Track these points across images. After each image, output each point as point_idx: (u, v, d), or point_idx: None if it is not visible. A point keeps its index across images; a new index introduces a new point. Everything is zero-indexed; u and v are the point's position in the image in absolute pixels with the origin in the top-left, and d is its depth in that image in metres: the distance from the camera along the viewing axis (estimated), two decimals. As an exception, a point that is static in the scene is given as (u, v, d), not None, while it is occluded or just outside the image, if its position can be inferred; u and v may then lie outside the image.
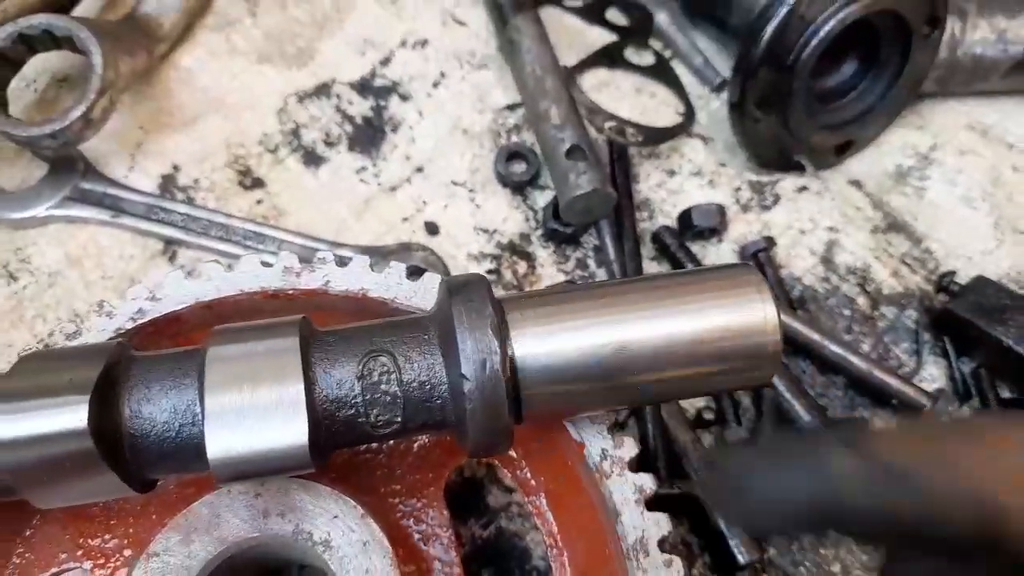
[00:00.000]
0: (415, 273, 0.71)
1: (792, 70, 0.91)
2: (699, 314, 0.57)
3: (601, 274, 0.95)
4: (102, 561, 0.66)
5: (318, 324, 0.59)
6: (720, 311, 0.57)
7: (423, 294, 0.69)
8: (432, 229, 0.98)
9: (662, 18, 1.10)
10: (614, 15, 1.11)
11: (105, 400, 0.52)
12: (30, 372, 0.54)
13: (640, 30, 1.08)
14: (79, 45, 0.95)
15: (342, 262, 0.71)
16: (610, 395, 0.59)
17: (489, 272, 0.95)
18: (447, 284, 0.58)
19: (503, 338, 0.55)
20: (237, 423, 0.52)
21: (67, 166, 0.98)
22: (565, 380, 0.57)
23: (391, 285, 0.70)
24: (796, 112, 0.95)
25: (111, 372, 0.53)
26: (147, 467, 0.55)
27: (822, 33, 0.89)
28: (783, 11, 0.88)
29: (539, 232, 0.98)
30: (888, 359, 0.91)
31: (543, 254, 0.97)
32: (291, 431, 0.52)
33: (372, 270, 0.70)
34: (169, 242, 0.96)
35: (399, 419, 0.56)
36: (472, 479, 0.83)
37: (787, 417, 0.84)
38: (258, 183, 1.00)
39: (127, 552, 0.66)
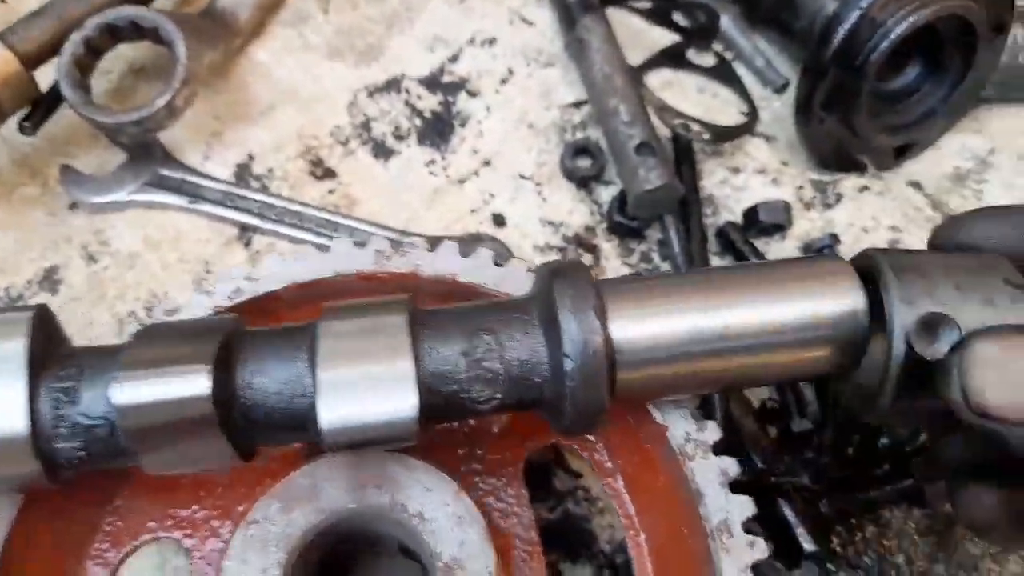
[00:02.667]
0: (502, 259, 0.73)
1: (860, 72, 0.92)
2: (796, 299, 0.59)
3: (665, 267, 0.97)
4: (191, 531, 0.68)
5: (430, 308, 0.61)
6: (816, 297, 0.59)
7: (512, 280, 0.72)
8: (499, 221, 1.00)
9: (724, 20, 1.12)
10: (679, 17, 1.12)
11: (223, 370, 0.55)
12: (153, 342, 0.56)
13: (705, 31, 1.09)
14: (163, 36, 0.98)
15: (431, 247, 0.73)
16: (702, 380, 0.61)
17: (555, 264, 0.97)
18: (549, 267, 0.61)
19: (604, 320, 0.57)
20: (348, 394, 0.54)
21: (146, 153, 1.01)
22: (660, 363, 0.59)
23: (479, 270, 0.72)
24: (861, 113, 0.96)
25: (227, 344, 0.56)
26: (256, 435, 0.58)
27: (892, 36, 0.90)
28: (855, 14, 0.89)
29: (604, 225, 1.00)
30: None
31: (607, 247, 0.99)
32: (400, 404, 0.55)
33: (461, 256, 0.73)
34: (244, 228, 0.98)
35: (499, 396, 0.58)
36: (540, 463, 0.85)
37: (852, 411, 0.85)
38: (330, 173, 1.03)
39: (215, 523, 0.68)
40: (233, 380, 0.55)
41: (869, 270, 0.59)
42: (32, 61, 0.96)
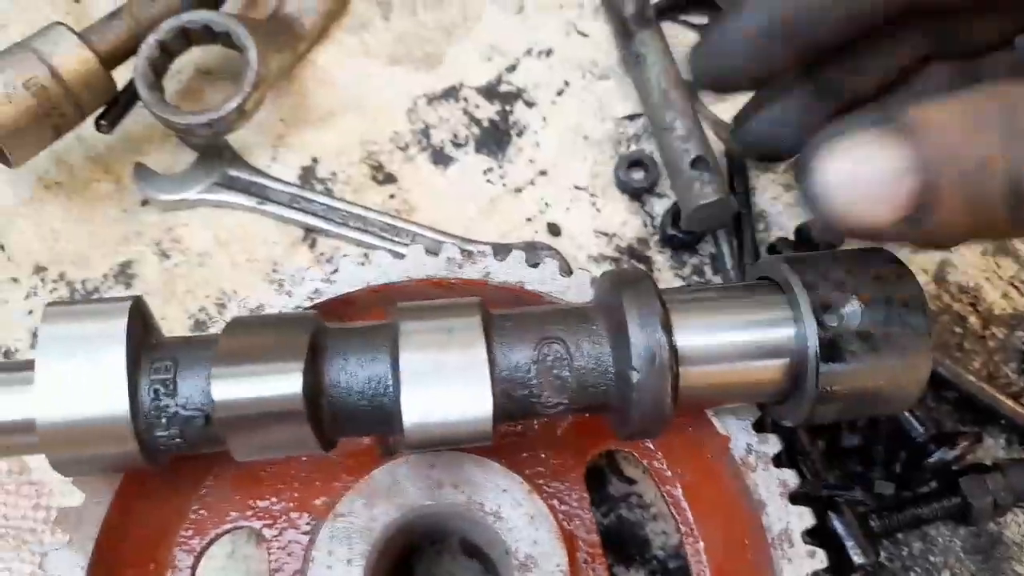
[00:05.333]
0: (566, 271, 0.76)
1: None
2: None
3: (717, 281, 0.99)
4: (270, 522, 0.71)
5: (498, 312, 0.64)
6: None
7: (575, 289, 0.74)
8: (554, 230, 1.03)
9: (779, 38, 1.14)
10: (733, 33, 1.14)
11: (312, 368, 0.57)
12: (244, 337, 0.59)
13: (760, 49, 1.12)
14: (235, 41, 1.01)
15: (501, 256, 0.76)
16: (756, 388, 0.64)
17: (609, 274, 1.00)
18: (614, 277, 0.63)
19: (670, 332, 0.60)
20: (428, 394, 0.57)
21: (215, 154, 1.05)
22: (719, 372, 0.62)
23: (546, 280, 0.75)
24: (915, 135, 0.98)
25: (314, 342, 0.59)
26: (340, 430, 0.61)
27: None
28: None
29: (656, 238, 1.02)
30: (998, 377, 0.93)
31: (660, 259, 1.01)
32: (477, 406, 0.57)
33: (528, 265, 0.75)
34: (309, 230, 1.01)
35: (566, 401, 0.61)
36: (594, 468, 0.87)
37: (900, 428, 0.87)
38: (390, 178, 1.06)
39: (294, 515, 0.71)
40: (321, 378, 0.58)
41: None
42: (110, 61, 0.99)
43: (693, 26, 1.14)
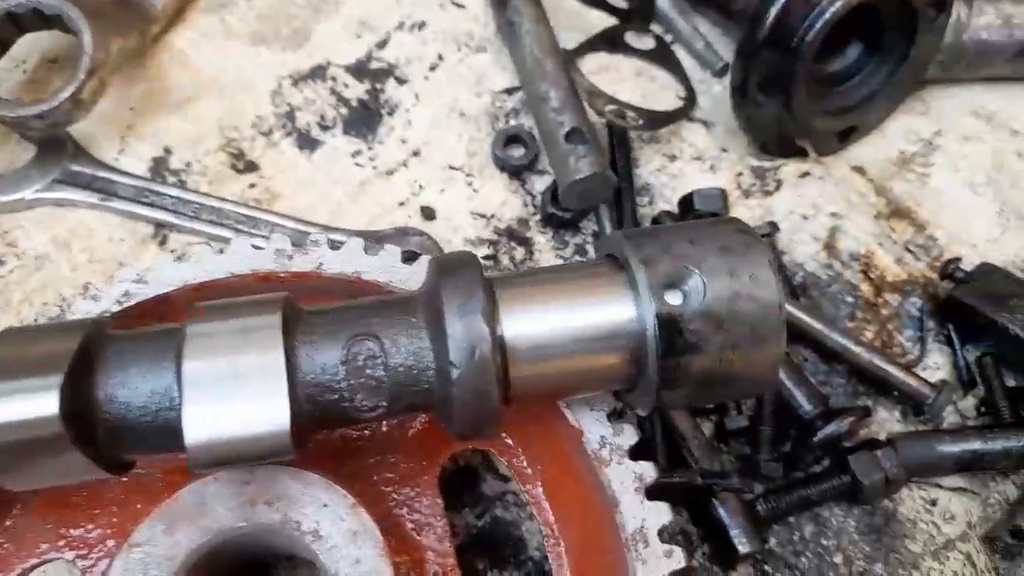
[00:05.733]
0: (410, 257, 0.69)
1: (795, 53, 0.89)
2: None
3: (600, 260, 0.94)
4: (85, 551, 0.64)
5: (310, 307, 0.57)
6: None
7: (419, 278, 0.68)
8: (428, 214, 0.96)
9: (663, 2, 1.08)
10: (615, -2, 1.09)
11: (79, 383, 0.50)
12: (3, 352, 0.52)
13: (641, 13, 1.06)
14: (69, 25, 0.93)
15: (335, 245, 0.69)
16: (600, 376, 0.58)
17: (486, 258, 0.93)
18: (436, 263, 0.57)
19: (493, 322, 0.53)
20: (215, 408, 0.50)
21: (56, 148, 0.96)
22: (557, 360, 0.55)
23: (386, 268, 0.68)
24: (799, 96, 0.93)
25: (86, 353, 0.51)
26: (123, 450, 0.54)
27: (827, 15, 0.87)
28: (787, -8, 0.86)
29: (537, 217, 0.96)
30: (891, 347, 0.89)
31: (541, 240, 0.95)
32: (272, 417, 0.51)
33: (366, 253, 0.69)
34: (160, 226, 0.94)
35: (384, 403, 0.55)
36: (467, 467, 0.81)
37: (788, 405, 0.82)
38: (251, 166, 0.99)
39: (110, 542, 0.64)
40: (93, 394, 0.51)
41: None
42: (-72, 52, 0.90)
43: (572, -9, 1.08)
